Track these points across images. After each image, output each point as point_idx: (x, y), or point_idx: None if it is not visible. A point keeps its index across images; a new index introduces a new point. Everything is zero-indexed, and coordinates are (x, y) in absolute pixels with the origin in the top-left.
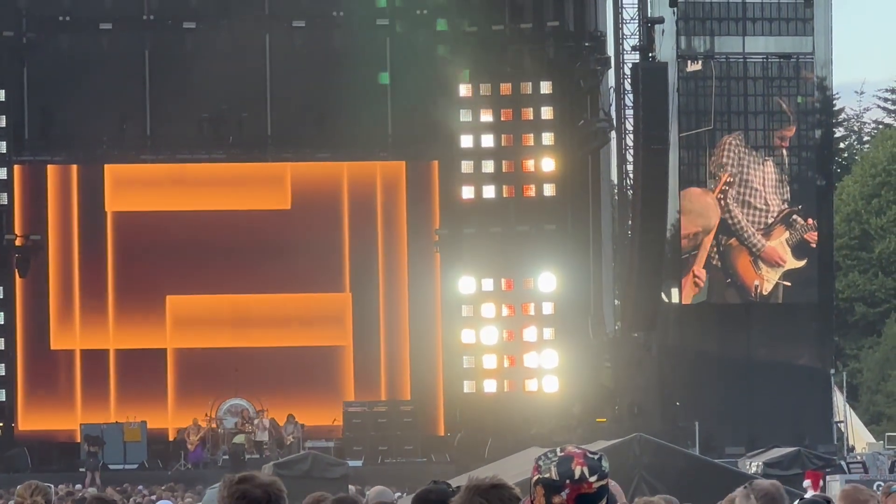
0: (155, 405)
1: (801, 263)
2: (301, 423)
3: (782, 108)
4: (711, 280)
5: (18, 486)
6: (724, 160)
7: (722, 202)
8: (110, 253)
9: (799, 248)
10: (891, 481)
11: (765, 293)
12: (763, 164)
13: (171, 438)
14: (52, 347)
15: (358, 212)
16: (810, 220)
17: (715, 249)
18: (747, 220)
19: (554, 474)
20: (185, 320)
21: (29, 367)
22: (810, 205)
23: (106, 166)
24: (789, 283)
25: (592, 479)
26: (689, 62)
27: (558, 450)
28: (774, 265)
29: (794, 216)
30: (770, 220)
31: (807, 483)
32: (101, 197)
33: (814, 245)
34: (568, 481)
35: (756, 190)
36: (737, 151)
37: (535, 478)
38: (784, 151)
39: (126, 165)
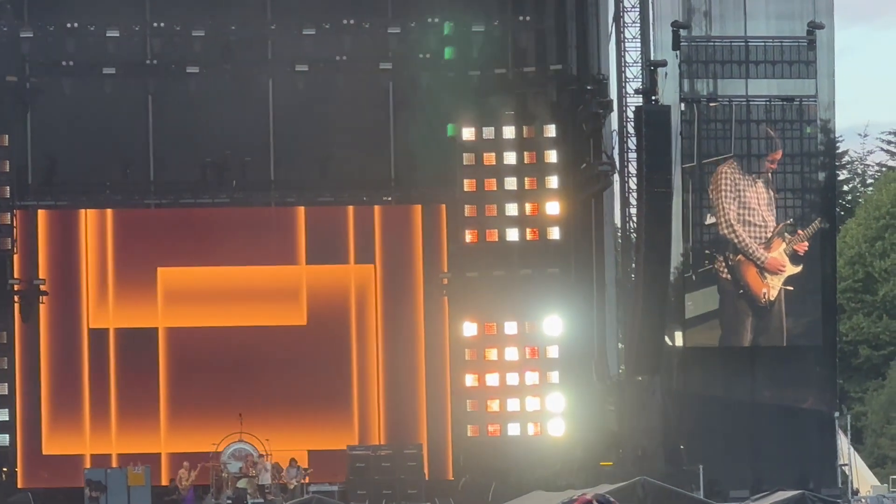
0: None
1: (798, 269)
2: (305, 467)
3: (770, 135)
4: (724, 293)
5: None
6: (723, 187)
7: (725, 227)
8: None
9: (794, 257)
10: None
11: (771, 299)
12: (755, 185)
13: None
14: (52, 389)
15: (364, 252)
16: (800, 232)
17: (723, 265)
18: (750, 238)
19: None
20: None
21: (26, 412)
22: (814, 247)
23: (109, 211)
24: (791, 288)
25: None
26: (710, 101)
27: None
28: (777, 272)
29: (785, 233)
30: (769, 234)
31: None
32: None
33: (801, 253)
34: None
35: (753, 209)
36: (733, 178)
37: None
38: (770, 173)
39: (130, 210)
